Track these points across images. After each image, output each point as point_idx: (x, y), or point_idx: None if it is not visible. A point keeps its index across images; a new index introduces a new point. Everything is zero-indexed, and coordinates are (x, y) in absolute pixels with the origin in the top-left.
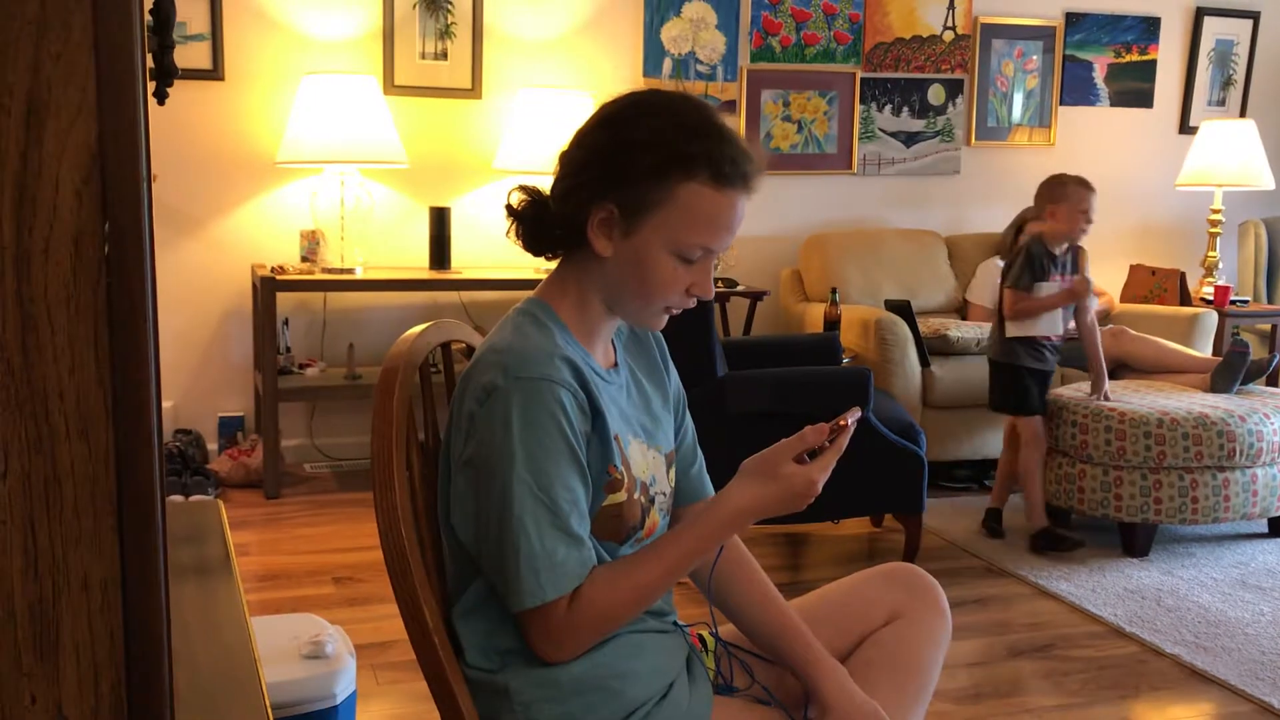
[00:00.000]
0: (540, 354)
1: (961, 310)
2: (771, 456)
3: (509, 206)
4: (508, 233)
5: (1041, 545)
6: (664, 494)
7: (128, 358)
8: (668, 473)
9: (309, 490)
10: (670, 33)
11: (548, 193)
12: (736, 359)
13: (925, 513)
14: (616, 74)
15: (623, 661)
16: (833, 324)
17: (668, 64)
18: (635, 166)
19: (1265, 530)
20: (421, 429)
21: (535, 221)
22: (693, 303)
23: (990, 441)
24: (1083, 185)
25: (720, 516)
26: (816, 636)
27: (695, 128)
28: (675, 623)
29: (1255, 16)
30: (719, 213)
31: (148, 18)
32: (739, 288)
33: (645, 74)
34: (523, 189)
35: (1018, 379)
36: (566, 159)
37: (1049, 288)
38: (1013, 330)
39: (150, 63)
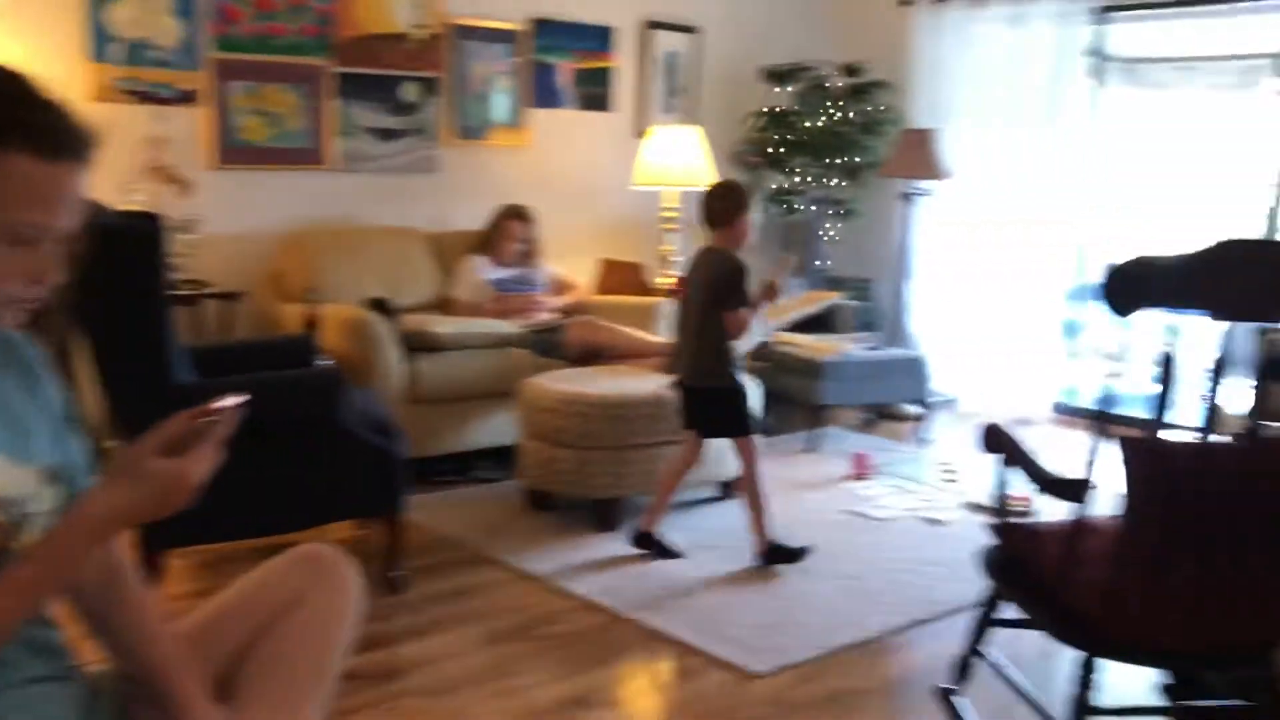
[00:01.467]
0: None
1: (444, 306)
2: (132, 453)
3: None
4: None
5: (774, 560)
6: (43, 511)
7: None
8: (50, 488)
9: None
10: (119, 14)
11: None
12: (207, 366)
13: (408, 510)
14: (57, 57)
15: None
16: (311, 324)
17: (117, 49)
18: None
19: (717, 495)
20: None
21: None
22: (39, 291)
23: (475, 432)
24: None
25: (80, 527)
26: (227, 632)
27: (8, 95)
28: (70, 667)
29: (697, 32)
30: (48, 186)
31: None
32: (209, 289)
33: (94, 59)
34: None
35: (738, 400)
36: None
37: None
38: (745, 348)
39: None
